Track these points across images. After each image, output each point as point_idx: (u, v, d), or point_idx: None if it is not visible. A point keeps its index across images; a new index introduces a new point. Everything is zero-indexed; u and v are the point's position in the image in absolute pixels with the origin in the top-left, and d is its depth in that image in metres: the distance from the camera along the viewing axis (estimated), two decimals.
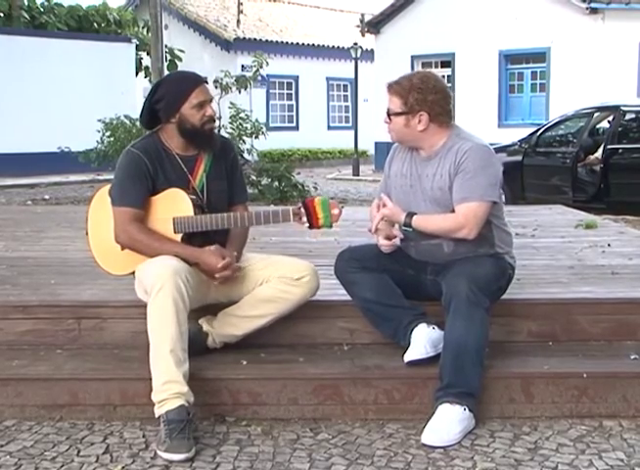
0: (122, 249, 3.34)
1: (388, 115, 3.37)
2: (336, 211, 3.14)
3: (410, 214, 3.33)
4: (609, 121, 10.40)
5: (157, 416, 2.96)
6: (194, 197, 3.29)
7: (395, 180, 3.51)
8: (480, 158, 3.30)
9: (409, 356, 3.27)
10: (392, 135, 3.44)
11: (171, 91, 3.31)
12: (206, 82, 3.42)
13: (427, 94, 3.30)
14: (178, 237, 3.27)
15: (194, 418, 2.99)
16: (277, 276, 3.32)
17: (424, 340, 3.27)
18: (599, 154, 9.84)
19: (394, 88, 3.35)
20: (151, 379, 3.02)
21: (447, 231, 3.31)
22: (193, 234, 3.28)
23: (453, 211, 3.31)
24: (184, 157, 3.37)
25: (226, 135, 11.51)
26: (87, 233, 3.51)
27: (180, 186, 3.30)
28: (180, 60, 21.57)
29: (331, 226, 3.18)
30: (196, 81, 3.35)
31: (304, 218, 3.17)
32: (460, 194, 3.27)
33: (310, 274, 3.36)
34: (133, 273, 3.36)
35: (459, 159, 3.29)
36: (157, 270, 3.08)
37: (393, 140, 3.48)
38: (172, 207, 3.28)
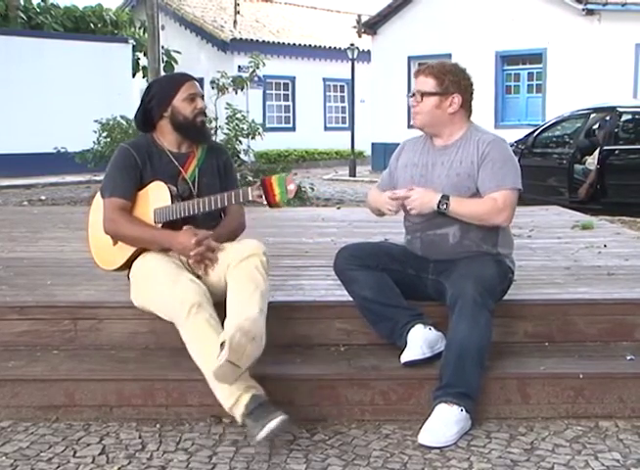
0: (114, 243, 3.43)
1: (421, 95, 3.39)
2: (291, 187, 3.11)
3: (446, 198, 3.28)
4: (605, 122, 10.40)
5: (240, 421, 2.91)
6: (174, 187, 3.35)
7: (404, 171, 3.52)
8: (505, 149, 3.42)
9: (405, 357, 3.27)
10: (418, 118, 3.45)
11: (162, 87, 3.49)
12: (196, 80, 3.54)
13: (461, 78, 3.41)
14: (159, 227, 3.35)
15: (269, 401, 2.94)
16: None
17: (420, 341, 3.27)
18: (595, 158, 9.84)
19: (429, 70, 3.41)
20: (146, 380, 3.05)
21: (485, 214, 3.30)
22: (174, 223, 3.31)
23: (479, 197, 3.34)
24: (176, 154, 3.48)
25: (223, 136, 11.51)
26: (87, 230, 3.60)
27: (169, 178, 3.38)
28: (176, 61, 21.56)
29: (286, 201, 3.18)
30: (185, 77, 3.52)
31: (263, 196, 3.14)
32: (493, 182, 3.31)
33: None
34: (120, 269, 3.46)
35: (483, 149, 3.35)
36: (180, 296, 3.09)
37: (417, 124, 3.48)
38: (154, 199, 3.37)
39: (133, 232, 3.33)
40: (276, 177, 3.12)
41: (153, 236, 3.32)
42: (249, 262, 3.19)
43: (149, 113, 3.48)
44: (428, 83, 3.39)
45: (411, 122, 3.62)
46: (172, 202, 3.32)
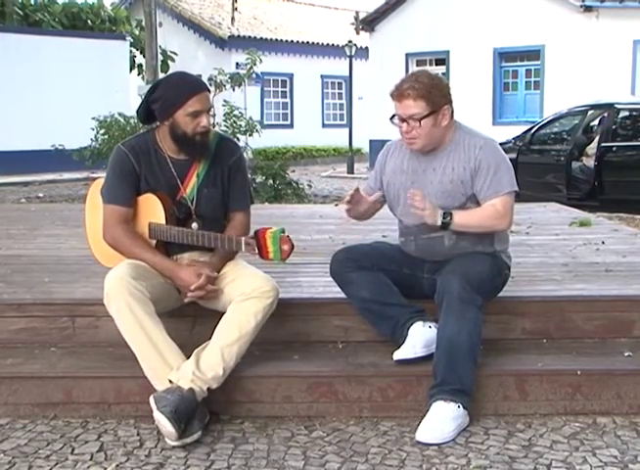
0: None
1: (418, 120, 3.23)
2: (285, 247, 2.95)
3: (448, 213, 3.24)
4: (602, 119, 10.41)
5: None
6: (172, 208, 3.25)
7: (394, 177, 3.47)
8: (497, 150, 3.37)
9: (398, 355, 3.27)
10: (418, 143, 3.31)
11: (168, 94, 3.20)
12: (208, 90, 3.32)
13: (442, 88, 3.31)
14: (153, 242, 3.29)
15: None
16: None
17: (415, 339, 3.26)
18: (592, 153, 9.86)
19: (415, 92, 3.22)
20: (145, 377, 3.05)
21: (488, 222, 3.29)
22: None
23: (473, 202, 3.32)
24: (177, 161, 3.32)
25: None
26: (84, 220, 3.56)
27: (166, 192, 3.27)
28: (173, 60, 21.53)
29: (282, 260, 2.99)
30: (195, 89, 3.22)
31: (256, 249, 3.01)
32: (491, 189, 3.28)
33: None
34: None
35: (475, 155, 3.30)
36: (106, 283, 3.12)
37: (417, 148, 3.34)
38: (148, 212, 3.28)
39: (131, 251, 3.24)
40: (271, 233, 2.95)
41: (154, 263, 3.22)
42: (251, 304, 3.13)
43: (151, 112, 3.30)
44: (419, 106, 3.22)
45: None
46: (167, 222, 3.23)
